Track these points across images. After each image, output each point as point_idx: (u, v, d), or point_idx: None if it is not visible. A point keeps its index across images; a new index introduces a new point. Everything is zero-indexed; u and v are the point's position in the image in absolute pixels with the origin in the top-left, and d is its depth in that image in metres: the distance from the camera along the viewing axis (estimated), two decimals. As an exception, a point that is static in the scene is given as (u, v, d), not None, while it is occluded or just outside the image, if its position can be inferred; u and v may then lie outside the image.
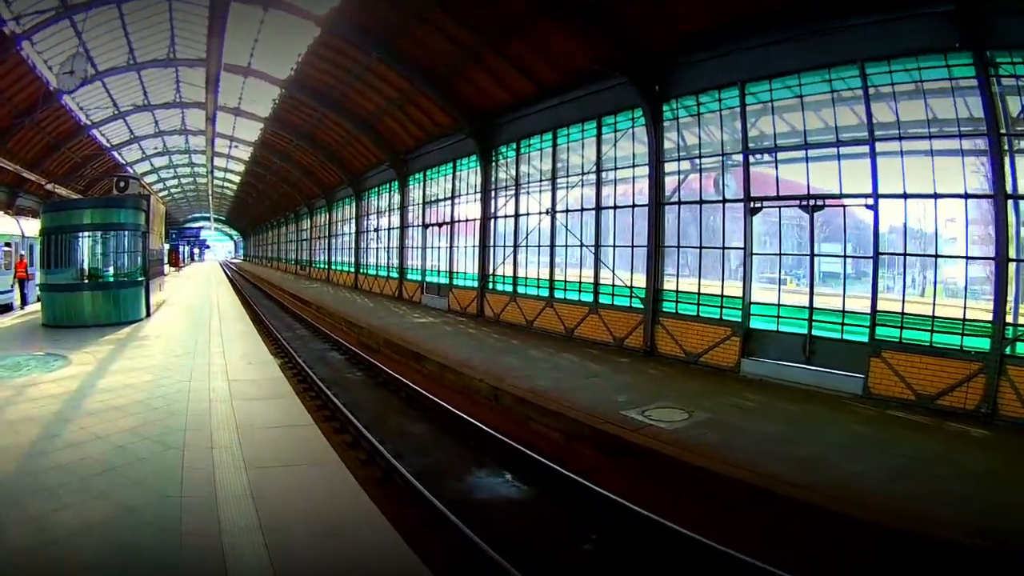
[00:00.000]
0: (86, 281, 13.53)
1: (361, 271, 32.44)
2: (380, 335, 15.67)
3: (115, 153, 36.51)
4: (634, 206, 14.03)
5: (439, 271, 22.64)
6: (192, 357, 9.79)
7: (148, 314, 14.65)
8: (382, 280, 28.74)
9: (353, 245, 33.53)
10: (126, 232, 13.91)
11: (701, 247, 12.50)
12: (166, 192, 62.80)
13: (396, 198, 27.09)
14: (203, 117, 28.63)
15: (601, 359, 12.65)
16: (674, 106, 12.95)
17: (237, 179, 54.15)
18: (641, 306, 13.42)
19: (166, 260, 36.97)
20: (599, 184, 14.94)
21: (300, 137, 30.73)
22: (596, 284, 14.85)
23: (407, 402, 10.26)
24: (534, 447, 7.35)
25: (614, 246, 14.86)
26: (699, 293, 12.33)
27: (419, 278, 24.34)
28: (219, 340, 11.82)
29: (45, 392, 7.30)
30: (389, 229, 28.25)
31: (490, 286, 18.83)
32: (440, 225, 22.31)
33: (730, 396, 9.40)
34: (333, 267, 39.21)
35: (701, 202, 12.54)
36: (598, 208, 14.93)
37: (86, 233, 13.58)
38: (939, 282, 10.06)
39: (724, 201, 12.11)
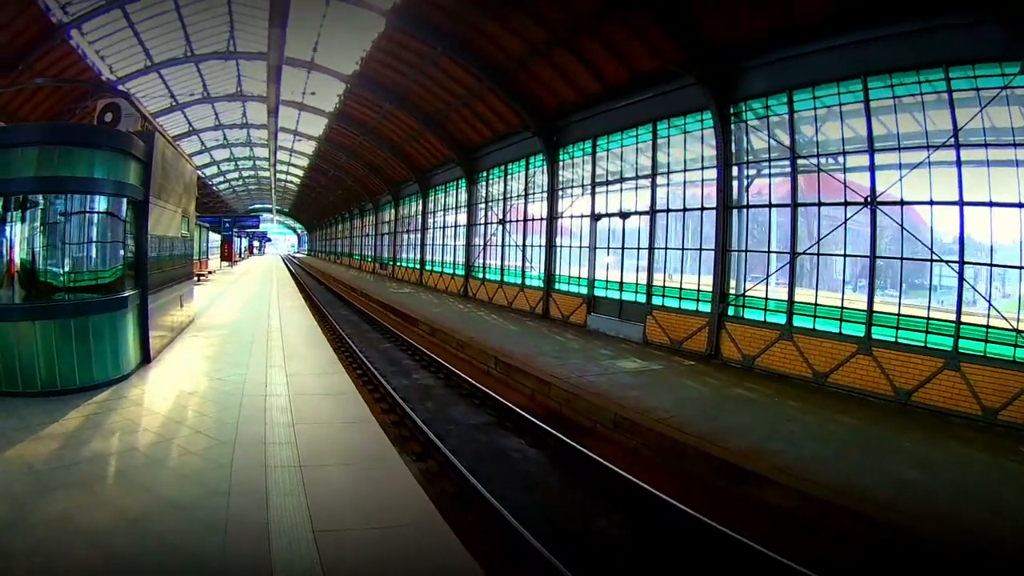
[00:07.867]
0: (14, 299, 7.47)
1: (474, 274, 28.19)
2: (591, 400, 10.20)
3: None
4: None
5: (624, 284, 17.58)
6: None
7: (147, 359, 9.27)
8: (512, 289, 23.88)
9: (463, 241, 29.02)
10: (98, 199, 7.98)
11: None
12: (227, 186, 61.60)
13: (539, 179, 22.30)
14: (265, 86, 25.70)
15: (997, 449, 8.47)
16: None
17: (304, 163, 51.23)
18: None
19: (211, 255, 32.83)
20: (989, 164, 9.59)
21: (392, 100, 26.43)
22: (958, 324, 9.87)
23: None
24: None
25: (989, 264, 9.53)
26: None
27: (583, 291, 19.34)
28: (291, 465, 5.61)
29: None
30: (526, 220, 23.33)
31: (731, 311, 13.90)
32: (624, 216, 17.32)
33: None
34: (429, 267, 34.98)
35: None
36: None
37: (17, 198, 7.47)
38: None
39: None
